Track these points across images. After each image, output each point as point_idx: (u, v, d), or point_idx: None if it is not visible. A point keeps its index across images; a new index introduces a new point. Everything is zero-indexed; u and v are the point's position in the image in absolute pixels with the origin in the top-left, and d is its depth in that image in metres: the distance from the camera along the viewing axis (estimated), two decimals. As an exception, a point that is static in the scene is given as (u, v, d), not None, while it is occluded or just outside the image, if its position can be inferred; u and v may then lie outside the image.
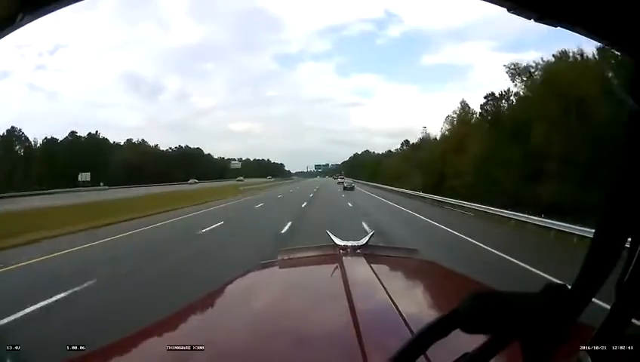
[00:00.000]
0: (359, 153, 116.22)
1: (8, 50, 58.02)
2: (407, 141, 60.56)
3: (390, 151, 75.94)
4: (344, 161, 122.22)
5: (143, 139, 76.43)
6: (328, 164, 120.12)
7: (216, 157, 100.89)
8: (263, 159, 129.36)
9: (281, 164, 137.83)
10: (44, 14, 0.43)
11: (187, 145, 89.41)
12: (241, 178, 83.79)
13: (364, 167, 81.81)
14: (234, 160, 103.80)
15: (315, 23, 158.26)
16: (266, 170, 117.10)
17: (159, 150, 77.75)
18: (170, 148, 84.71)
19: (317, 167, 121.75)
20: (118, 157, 63.68)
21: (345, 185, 44.74)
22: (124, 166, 61.51)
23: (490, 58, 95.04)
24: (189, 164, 77.00)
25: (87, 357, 1.02)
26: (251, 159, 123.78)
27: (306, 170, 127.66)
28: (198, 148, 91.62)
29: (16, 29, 0.42)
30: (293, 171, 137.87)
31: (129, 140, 74.53)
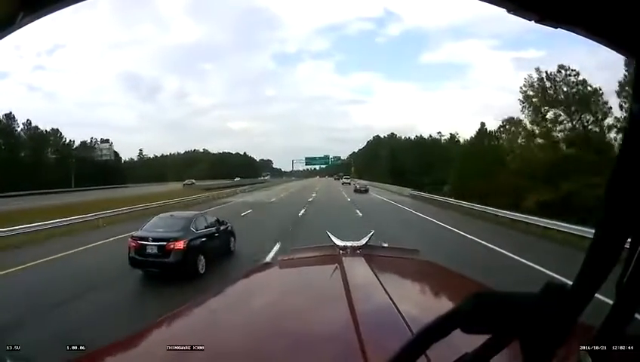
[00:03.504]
0: (381, 137, 72.06)
1: (7, 50, 56.18)
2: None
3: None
4: (353, 153, 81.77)
5: None
6: (329, 157, 71.42)
7: (80, 140, 53.92)
8: (239, 153, 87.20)
9: (269, 160, 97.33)
10: (45, 15, 0.43)
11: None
12: (238, 179, 53.59)
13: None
14: (106, 142, 56.06)
15: (315, 22, 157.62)
16: (238, 168, 72.68)
17: None
18: None
19: (309, 161, 70.92)
20: None
21: (358, 187, 35.20)
22: None
23: (490, 56, 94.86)
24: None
25: (88, 357, 1.02)
26: (214, 152, 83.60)
27: (298, 169, 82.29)
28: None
29: (16, 29, 0.42)
30: (286, 169, 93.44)
31: None
